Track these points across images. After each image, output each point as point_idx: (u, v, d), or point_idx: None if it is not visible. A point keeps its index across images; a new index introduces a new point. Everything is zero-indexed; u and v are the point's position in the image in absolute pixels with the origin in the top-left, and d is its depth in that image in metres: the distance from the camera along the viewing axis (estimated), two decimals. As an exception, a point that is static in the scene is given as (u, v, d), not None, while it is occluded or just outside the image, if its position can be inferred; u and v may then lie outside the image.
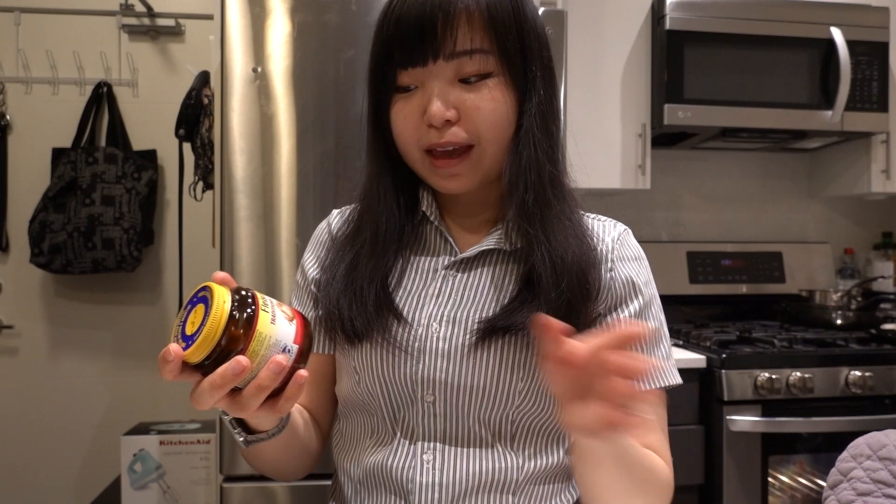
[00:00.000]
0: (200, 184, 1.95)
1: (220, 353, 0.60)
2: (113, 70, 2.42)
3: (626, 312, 0.84)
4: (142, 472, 1.94)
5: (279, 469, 0.86)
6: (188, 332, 0.62)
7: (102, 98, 2.40)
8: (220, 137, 1.63)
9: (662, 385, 0.83)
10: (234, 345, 0.61)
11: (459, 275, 0.85)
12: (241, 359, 0.60)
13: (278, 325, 0.64)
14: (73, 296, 2.42)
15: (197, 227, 2.32)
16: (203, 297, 0.62)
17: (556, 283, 0.77)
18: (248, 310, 0.62)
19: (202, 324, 0.60)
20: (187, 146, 2.04)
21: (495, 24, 0.78)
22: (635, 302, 0.84)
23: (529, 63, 0.81)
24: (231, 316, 0.60)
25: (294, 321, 0.66)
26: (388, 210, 0.85)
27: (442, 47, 0.77)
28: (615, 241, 0.86)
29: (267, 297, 0.65)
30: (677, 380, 0.85)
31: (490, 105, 0.78)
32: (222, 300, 0.61)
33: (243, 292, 0.63)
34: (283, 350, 0.64)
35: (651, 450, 0.80)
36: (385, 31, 0.79)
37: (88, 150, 2.32)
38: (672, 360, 0.86)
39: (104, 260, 2.25)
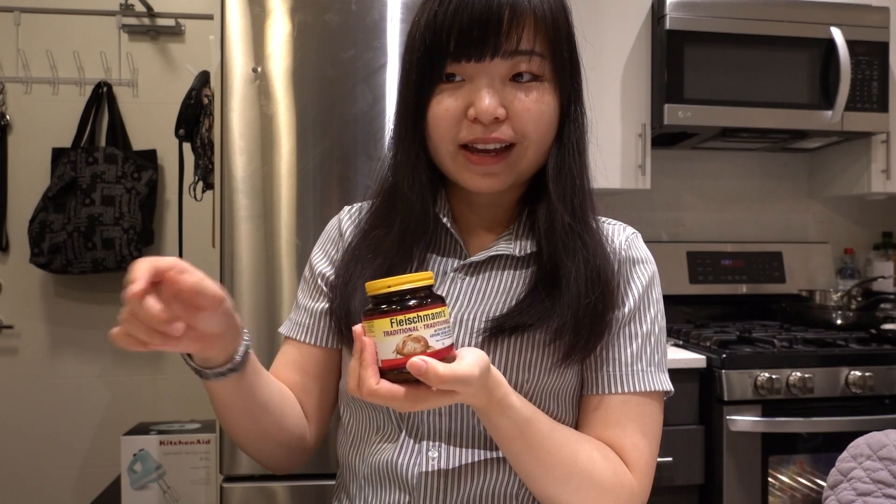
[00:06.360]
0: (200, 184, 1.95)
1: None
2: (113, 70, 2.42)
3: (621, 312, 0.83)
4: (142, 472, 1.94)
5: (245, 431, 0.83)
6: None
7: (102, 98, 2.40)
8: (220, 137, 1.63)
9: (646, 389, 0.82)
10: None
11: (468, 278, 0.85)
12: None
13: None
14: (73, 296, 2.42)
15: (197, 227, 2.32)
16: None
17: (587, 291, 0.78)
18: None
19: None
20: (187, 146, 2.04)
21: (556, 30, 0.78)
22: (631, 302, 0.84)
23: (575, 73, 0.82)
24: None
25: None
26: (423, 206, 0.83)
27: (504, 44, 0.75)
28: (622, 244, 0.87)
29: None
30: (665, 387, 0.84)
31: (540, 107, 0.78)
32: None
33: None
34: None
35: (618, 451, 0.80)
36: (438, 20, 0.76)
37: (88, 150, 2.32)
38: (664, 369, 0.85)
39: (104, 260, 2.25)
